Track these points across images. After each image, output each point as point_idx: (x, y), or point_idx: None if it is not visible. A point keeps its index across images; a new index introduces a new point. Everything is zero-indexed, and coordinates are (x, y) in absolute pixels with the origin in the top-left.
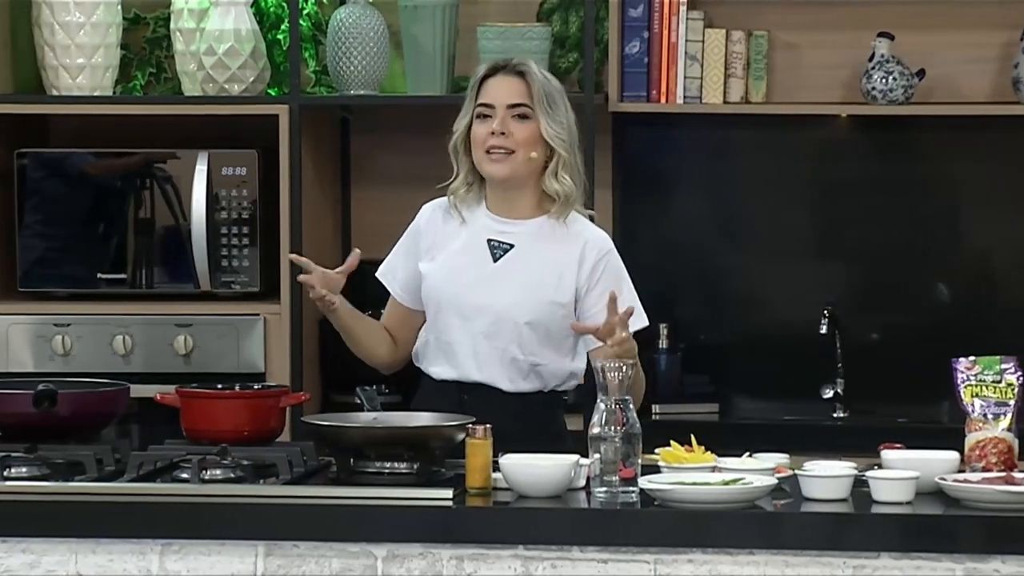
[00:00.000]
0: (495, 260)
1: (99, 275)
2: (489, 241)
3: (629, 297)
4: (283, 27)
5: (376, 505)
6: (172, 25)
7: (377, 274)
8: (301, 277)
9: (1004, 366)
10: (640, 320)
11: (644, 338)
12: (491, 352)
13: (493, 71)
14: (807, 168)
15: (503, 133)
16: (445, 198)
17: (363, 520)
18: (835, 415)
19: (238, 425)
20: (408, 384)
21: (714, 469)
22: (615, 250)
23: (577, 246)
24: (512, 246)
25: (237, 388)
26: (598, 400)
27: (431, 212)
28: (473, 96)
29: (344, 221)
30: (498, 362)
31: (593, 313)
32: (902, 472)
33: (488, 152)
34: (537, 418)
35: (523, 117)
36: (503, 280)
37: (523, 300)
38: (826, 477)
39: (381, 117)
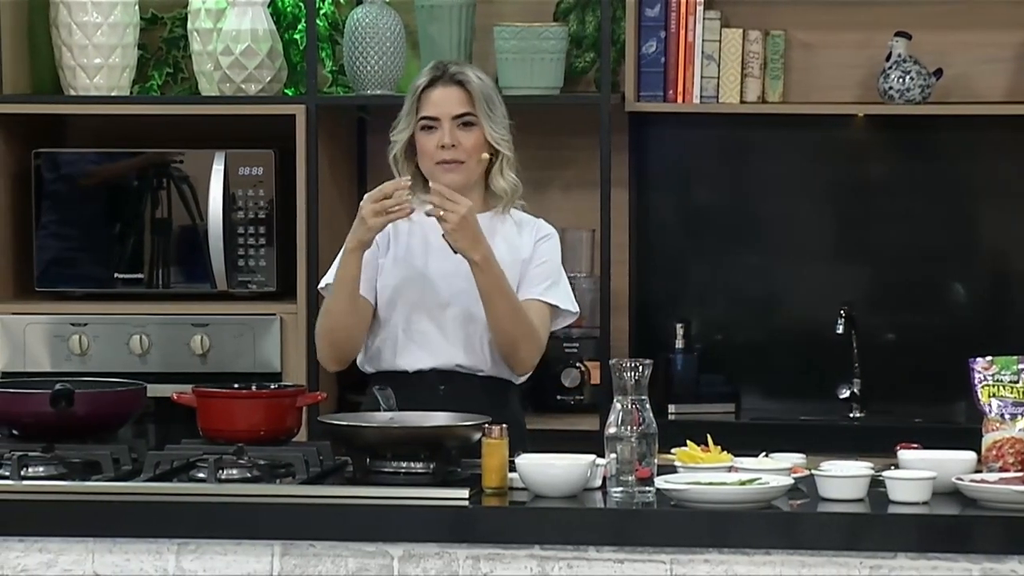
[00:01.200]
0: (456, 252)
1: (116, 275)
2: (444, 236)
3: (561, 285)
4: (300, 27)
5: (392, 505)
6: (189, 25)
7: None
8: (405, 183)
9: (1021, 366)
10: (553, 296)
11: (661, 338)
12: (470, 337)
13: (432, 82)
14: (824, 168)
15: (453, 145)
16: None
17: (379, 520)
18: (852, 415)
19: (254, 425)
20: None
21: (730, 469)
22: (557, 237)
23: (526, 235)
24: None
25: (254, 388)
26: (615, 400)
27: None
28: (413, 108)
29: None
30: (477, 346)
31: (526, 289)
32: (919, 472)
33: (439, 164)
34: (508, 406)
35: (468, 125)
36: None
37: None
38: (843, 477)
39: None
